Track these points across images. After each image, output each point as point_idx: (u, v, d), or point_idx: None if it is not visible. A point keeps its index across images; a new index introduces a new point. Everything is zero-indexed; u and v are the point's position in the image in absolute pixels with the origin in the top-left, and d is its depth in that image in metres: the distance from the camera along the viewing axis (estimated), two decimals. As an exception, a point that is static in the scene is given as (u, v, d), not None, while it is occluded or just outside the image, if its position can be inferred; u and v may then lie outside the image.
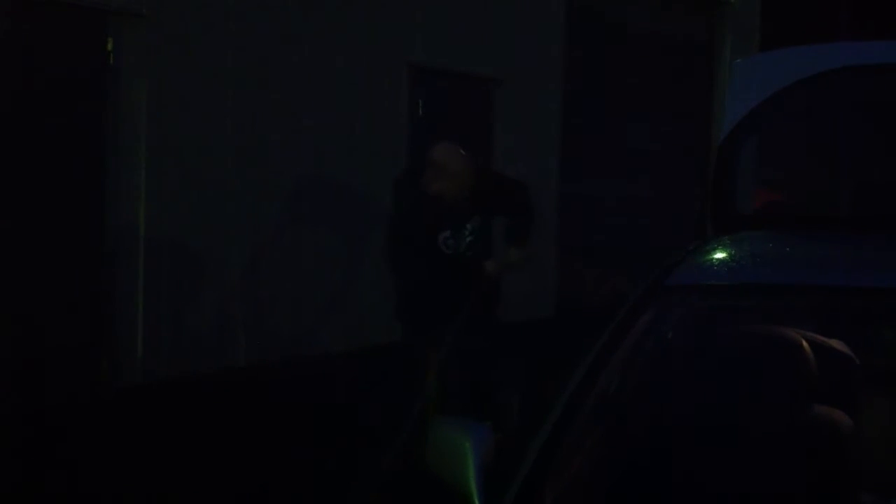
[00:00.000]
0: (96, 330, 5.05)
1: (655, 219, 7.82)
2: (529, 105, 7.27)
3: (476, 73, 7.03)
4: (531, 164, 6.88)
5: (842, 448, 2.13)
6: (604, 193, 7.81)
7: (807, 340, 2.18)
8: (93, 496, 3.93)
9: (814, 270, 2.20)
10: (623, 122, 7.92)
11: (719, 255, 2.35)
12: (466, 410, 3.91)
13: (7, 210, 4.67)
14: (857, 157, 2.98)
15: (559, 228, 7.35)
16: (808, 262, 2.26)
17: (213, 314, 5.53)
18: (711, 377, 2.18)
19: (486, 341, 4.37)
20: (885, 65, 2.85)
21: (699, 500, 2.01)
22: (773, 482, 2.04)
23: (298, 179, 5.94)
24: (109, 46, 4.99)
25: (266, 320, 5.75)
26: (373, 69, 6.28)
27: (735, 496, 2.03)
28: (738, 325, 2.20)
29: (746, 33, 8.64)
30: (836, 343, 2.35)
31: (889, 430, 2.46)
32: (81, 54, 4.92)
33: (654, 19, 8.18)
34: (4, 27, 4.58)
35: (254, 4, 5.60)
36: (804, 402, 2.16)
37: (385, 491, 3.88)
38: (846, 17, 9.82)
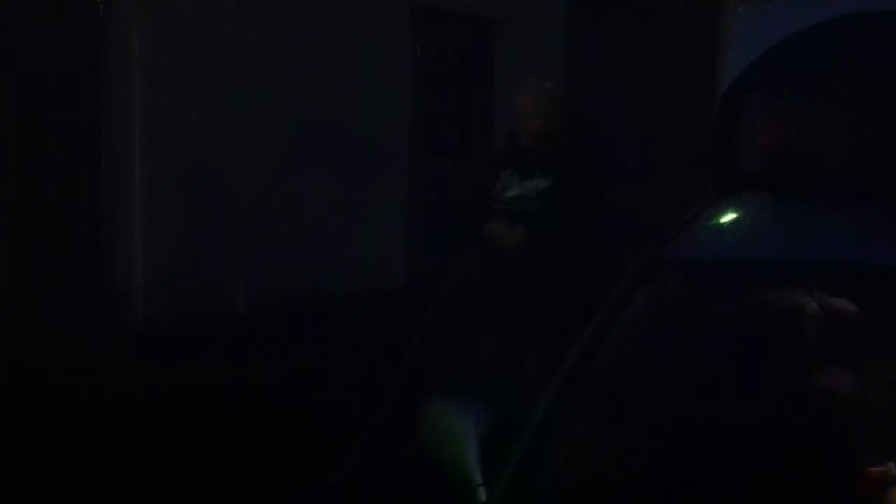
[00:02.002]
0: (95, 277, 5.05)
1: (656, 166, 7.73)
2: (532, 48, 7.15)
3: (477, 15, 6.91)
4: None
5: (843, 411, 2.13)
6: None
7: (808, 305, 2.15)
8: (91, 446, 3.97)
9: (818, 244, 2.15)
10: (626, 67, 7.79)
11: (719, 225, 2.30)
12: (464, 386, 3.80)
13: (2, 159, 4.65)
14: (861, 111, 2.91)
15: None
16: (812, 234, 2.21)
17: (213, 259, 5.53)
18: (712, 347, 2.17)
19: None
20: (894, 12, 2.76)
21: (702, 471, 2.01)
22: (780, 450, 2.04)
23: (299, 122, 5.88)
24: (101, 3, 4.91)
25: (268, 265, 5.75)
26: (372, 12, 6.17)
27: (737, 464, 2.03)
28: (737, 297, 2.17)
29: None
30: (838, 304, 2.32)
31: (892, 389, 2.45)
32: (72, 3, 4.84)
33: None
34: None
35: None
36: (807, 366, 2.15)
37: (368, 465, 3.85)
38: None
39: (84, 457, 3.87)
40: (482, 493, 1.82)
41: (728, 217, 2.35)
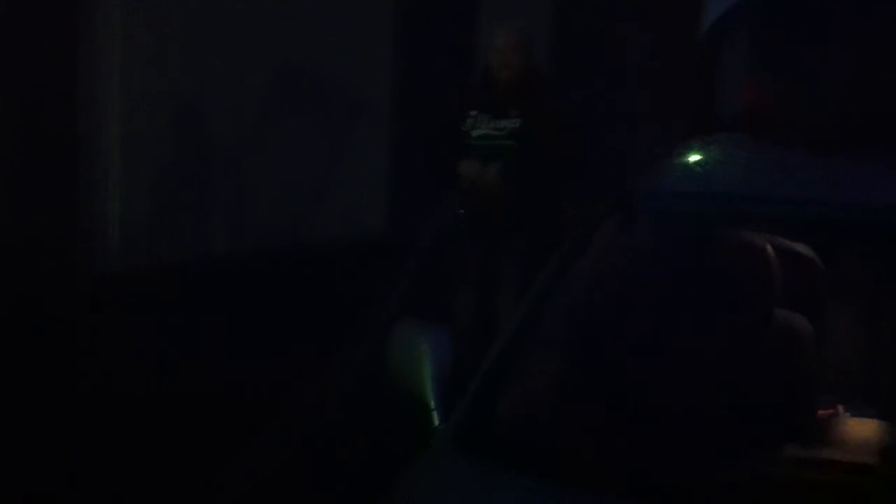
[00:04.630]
0: (71, 217, 5.01)
1: (645, 122, 7.67)
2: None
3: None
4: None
5: (803, 352, 2.14)
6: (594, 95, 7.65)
7: (771, 245, 2.16)
8: (66, 387, 3.97)
9: (782, 181, 2.15)
10: (614, 18, 7.72)
11: (688, 159, 2.30)
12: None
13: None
14: (848, 58, 2.89)
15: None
16: (777, 171, 2.21)
17: (192, 201, 5.49)
18: (675, 283, 2.17)
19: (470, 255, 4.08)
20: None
21: (661, 407, 2.03)
22: (736, 386, 2.05)
23: (281, 68, 5.82)
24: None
25: (247, 209, 5.73)
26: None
27: (699, 401, 2.05)
28: (702, 231, 2.17)
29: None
30: (801, 247, 2.33)
31: (850, 333, 2.47)
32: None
33: None
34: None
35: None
36: (767, 306, 2.16)
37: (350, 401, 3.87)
38: None
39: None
40: (435, 417, 1.83)
41: (698, 152, 2.35)
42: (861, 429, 2.06)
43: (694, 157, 2.38)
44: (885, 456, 1.90)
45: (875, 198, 2.07)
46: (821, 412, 2.16)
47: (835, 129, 2.67)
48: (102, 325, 4.48)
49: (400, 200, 6.56)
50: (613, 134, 7.05)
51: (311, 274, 5.37)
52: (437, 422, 1.82)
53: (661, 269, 2.19)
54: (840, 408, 2.18)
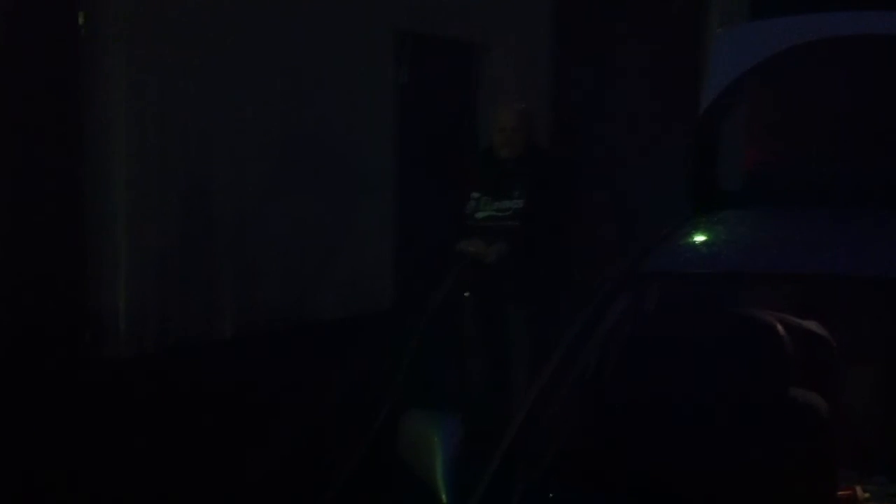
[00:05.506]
0: (79, 301, 5.01)
1: (643, 196, 7.71)
2: (517, 72, 7.19)
3: (462, 39, 6.95)
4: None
5: (820, 430, 2.12)
6: (592, 169, 7.72)
7: (783, 323, 2.15)
8: (74, 470, 3.93)
9: (791, 257, 2.16)
10: (614, 91, 7.83)
11: (696, 238, 2.31)
12: (440, 400, 3.80)
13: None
14: (837, 131, 2.94)
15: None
16: (783, 247, 2.22)
17: (199, 284, 5.51)
18: (688, 363, 2.16)
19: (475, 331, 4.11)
20: (869, 35, 2.80)
21: (679, 489, 2.00)
22: (753, 468, 2.03)
23: (283, 146, 5.88)
24: (81, 20, 4.91)
25: (254, 289, 5.73)
26: (358, 35, 6.20)
27: (716, 483, 2.02)
28: (713, 310, 2.17)
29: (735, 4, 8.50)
30: (812, 325, 2.32)
31: (866, 409, 2.44)
32: (54, 27, 4.85)
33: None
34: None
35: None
36: (782, 384, 2.14)
37: (359, 478, 3.85)
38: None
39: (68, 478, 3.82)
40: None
41: (704, 232, 2.36)
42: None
43: (700, 237, 2.39)
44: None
45: (883, 268, 2.07)
46: (841, 492, 2.13)
47: (836, 189, 2.70)
48: (111, 410, 4.45)
49: (405, 276, 6.57)
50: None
51: (319, 351, 5.35)
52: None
53: (674, 350, 2.18)
54: (858, 489, 2.15)
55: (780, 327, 2.14)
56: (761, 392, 2.14)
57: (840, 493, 2.10)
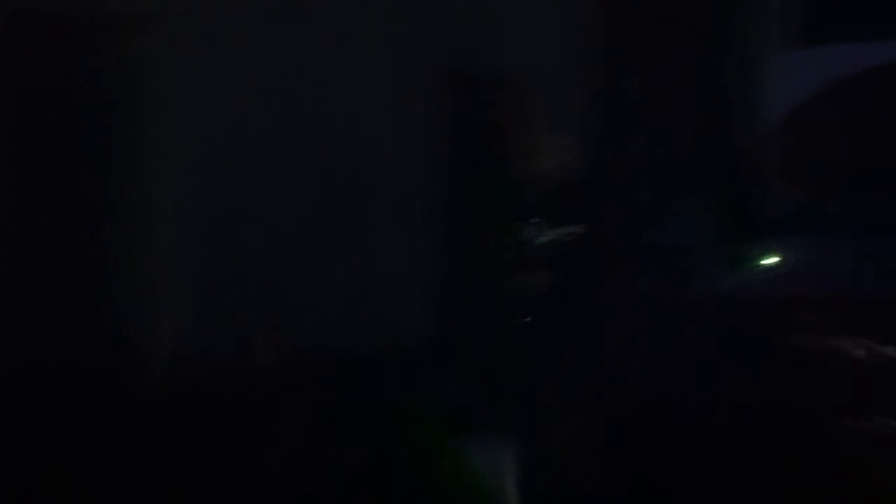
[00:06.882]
0: (103, 336, 5.00)
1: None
2: (556, 106, 7.17)
3: (500, 76, 6.95)
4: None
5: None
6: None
7: (862, 349, 2.08)
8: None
9: (852, 280, 2.10)
10: (658, 120, 7.78)
11: (756, 262, 2.26)
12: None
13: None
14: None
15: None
16: (843, 271, 2.16)
17: (227, 317, 5.48)
18: (756, 386, 2.09)
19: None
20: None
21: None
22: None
23: (323, 182, 5.89)
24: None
25: (291, 323, 5.70)
26: (399, 74, 6.22)
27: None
28: (781, 336, 2.11)
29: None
30: (891, 350, 2.24)
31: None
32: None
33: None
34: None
35: (273, 7, 5.57)
36: (858, 412, 2.06)
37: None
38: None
39: None
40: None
41: (765, 256, 2.31)
42: None
43: (763, 260, 2.34)
44: None
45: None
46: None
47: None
48: (150, 443, 4.41)
49: (446, 304, 6.52)
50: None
51: (359, 382, 5.30)
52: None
53: (739, 375, 2.11)
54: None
55: (858, 353, 2.07)
56: (837, 420, 2.06)
57: None
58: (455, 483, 1.88)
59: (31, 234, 4.85)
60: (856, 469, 2.00)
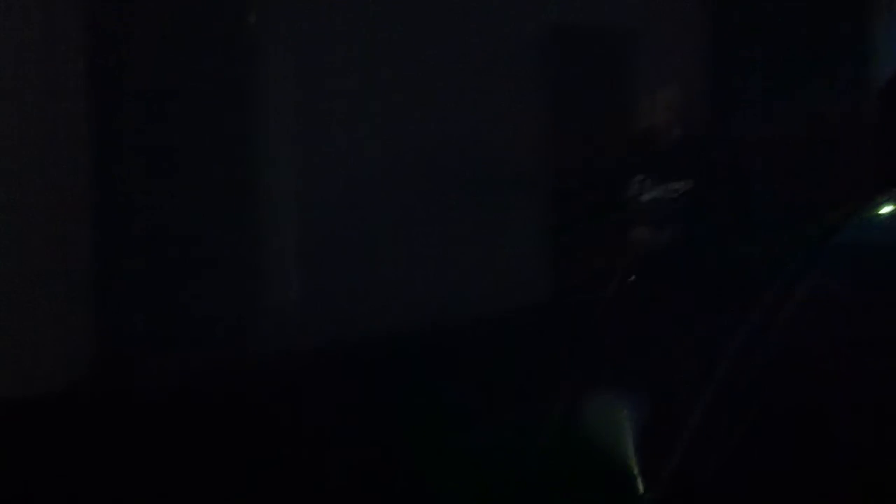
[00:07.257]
0: (246, 294, 5.17)
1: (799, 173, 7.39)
2: (669, 60, 7.02)
3: (611, 29, 6.84)
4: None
5: None
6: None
7: None
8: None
9: None
10: (774, 69, 7.53)
11: (885, 214, 2.18)
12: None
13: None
14: None
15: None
16: None
17: (352, 279, 5.60)
18: (873, 338, 2.03)
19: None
20: None
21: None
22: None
23: (432, 142, 5.94)
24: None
25: (407, 288, 5.79)
26: (504, 29, 6.20)
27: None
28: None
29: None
30: None
31: None
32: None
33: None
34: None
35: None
36: None
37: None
38: None
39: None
40: (640, 484, 1.77)
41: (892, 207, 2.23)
42: None
43: (889, 212, 2.26)
44: None
45: None
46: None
47: None
48: (272, 403, 4.51)
49: (558, 268, 6.51)
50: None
51: (480, 347, 5.34)
52: (641, 490, 1.76)
53: (866, 332, 2.04)
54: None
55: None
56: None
57: None
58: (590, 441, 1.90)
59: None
60: None
